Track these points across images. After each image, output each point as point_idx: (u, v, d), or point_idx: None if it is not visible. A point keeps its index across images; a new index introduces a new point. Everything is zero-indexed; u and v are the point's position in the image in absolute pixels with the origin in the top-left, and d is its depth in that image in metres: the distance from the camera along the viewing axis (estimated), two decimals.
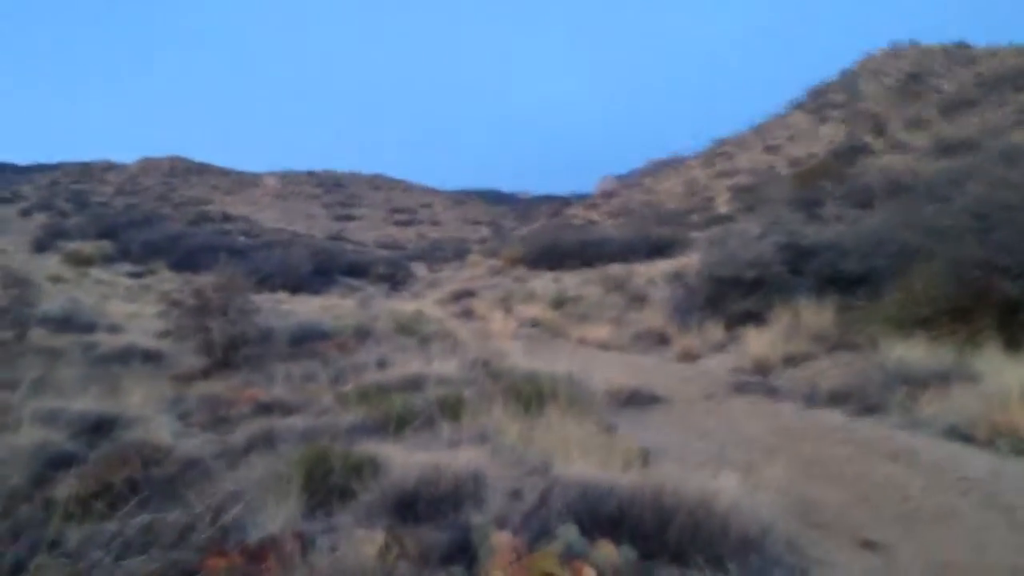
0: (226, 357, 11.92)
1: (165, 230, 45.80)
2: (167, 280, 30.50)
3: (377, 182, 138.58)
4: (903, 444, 7.06)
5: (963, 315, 9.77)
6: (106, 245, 38.98)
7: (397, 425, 6.55)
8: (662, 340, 16.67)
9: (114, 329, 15.64)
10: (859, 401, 8.74)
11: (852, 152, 51.13)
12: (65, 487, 4.81)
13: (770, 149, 76.75)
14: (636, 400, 10.37)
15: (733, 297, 15.35)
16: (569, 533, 3.74)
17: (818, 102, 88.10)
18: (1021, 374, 7.14)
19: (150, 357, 12.29)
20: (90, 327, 15.38)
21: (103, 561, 2.45)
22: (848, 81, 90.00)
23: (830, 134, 69.98)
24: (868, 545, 4.92)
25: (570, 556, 3.52)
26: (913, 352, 8.88)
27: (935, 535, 5.01)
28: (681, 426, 9.18)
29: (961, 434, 6.96)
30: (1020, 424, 6.53)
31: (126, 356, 12.06)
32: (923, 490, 5.87)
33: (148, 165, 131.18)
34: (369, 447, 5.26)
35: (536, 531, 3.88)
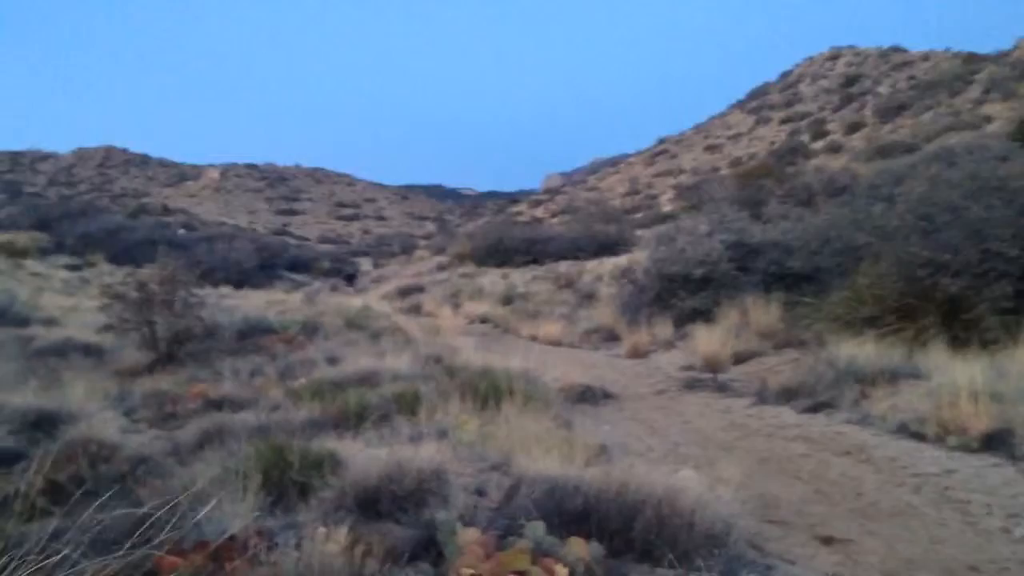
0: (171, 352, 11.64)
1: (103, 222, 44.60)
2: (106, 273, 29.74)
3: (320, 176, 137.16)
4: (855, 440, 7.15)
5: (909, 313, 9.95)
6: (41, 236, 37.80)
7: (353, 421, 6.44)
8: (612, 337, 16.76)
9: (51, 322, 15.19)
10: (809, 398, 8.83)
11: (791, 152, 52.08)
12: (7, 484, 4.62)
13: (711, 148, 77.85)
14: (589, 396, 10.39)
15: (682, 295, 15.49)
16: (537, 530, 3.68)
17: (758, 102, 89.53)
18: (968, 372, 7.26)
19: (91, 351, 11.94)
20: (25, 320, 14.91)
21: (70, 557, 2.34)
22: (788, 83, 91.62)
23: (770, 134, 71.16)
24: (828, 541, 4.96)
25: (540, 553, 3.46)
26: (861, 350, 8.99)
27: (892, 531, 5.07)
28: (635, 422, 9.21)
29: (911, 431, 7.07)
30: (969, 422, 6.64)
31: (65, 350, 11.70)
32: (878, 486, 5.94)
33: (83, 155, 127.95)
34: (327, 443, 5.15)
35: (503, 528, 3.82)
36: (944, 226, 10.19)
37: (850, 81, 76.16)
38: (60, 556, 2.32)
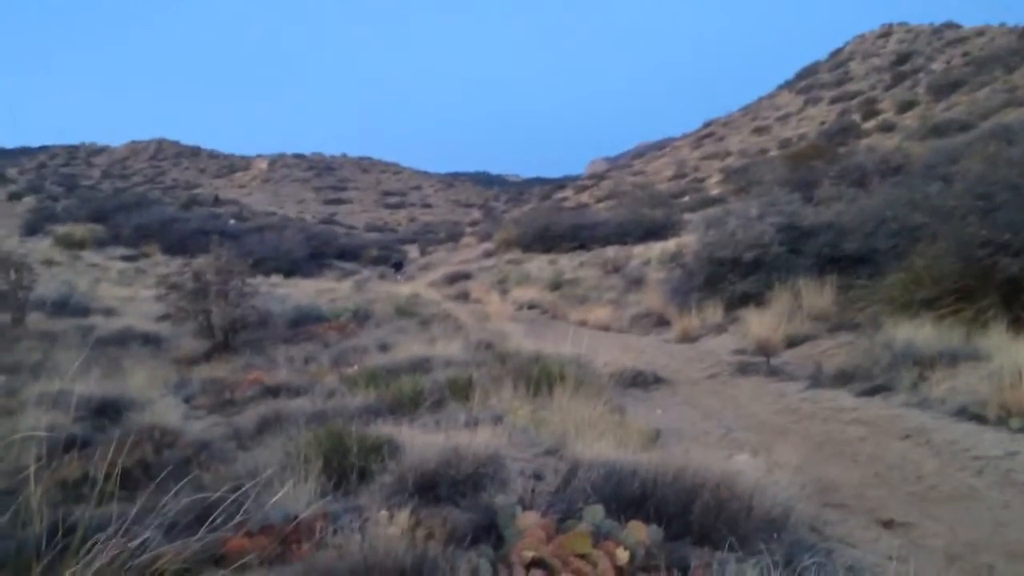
0: (226, 340, 11.86)
1: (157, 214, 45.43)
2: (161, 264, 30.34)
3: (366, 164, 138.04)
4: (914, 424, 7.04)
5: (968, 295, 9.74)
6: (98, 228, 38.67)
7: (408, 407, 6.51)
8: (661, 322, 16.69)
9: (110, 312, 15.55)
10: (865, 381, 8.70)
11: (842, 132, 51.11)
12: (76, 470, 4.76)
13: (760, 130, 76.70)
14: (640, 381, 10.37)
15: (732, 278, 15.33)
16: (596, 514, 3.69)
17: (807, 82, 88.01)
18: None
19: (149, 340, 12.21)
20: (85, 311, 15.28)
21: (151, 540, 2.42)
22: (838, 62, 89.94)
23: (820, 115, 69.97)
24: (888, 525, 4.91)
25: (600, 537, 3.47)
26: (918, 332, 8.83)
27: (954, 514, 5.00)
28: (687, 407, 9.17)
29: (972, 414, 6.93)
30: None
31: (124, 339, 11.98)
32: (938, 469, 5.86)
33: (135, 148, 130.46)
34: (383, 428, 5.21)
35: (562, 512, 3.84)
36: (1003, 205, 9.94)
37: (902, 59, 74.44)
38: (142, 540, 2.40)
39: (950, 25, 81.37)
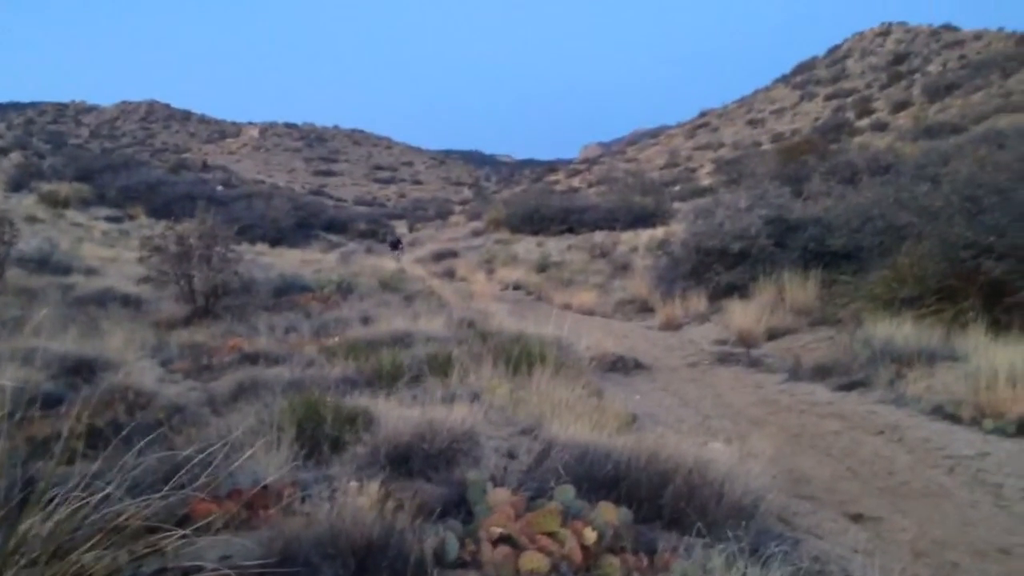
0: (208, 305, 11.79)
1: (144, 176, 44.99)
2: (145, 227, 30.08)
3: (358, 137, 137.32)
4: (889, 420, 7.08)
5: (949, 295, 9.78)
6: (83, 188, 38.27)
7: (387, 380, 6.49)
8: (645, 308, 16.72)
9: (91, 272, 15.44)
10: (843, 376, 8.74)
11: (835, 129, 51.22)
12: (44, 426, 4.72)
13: (754, 123, 76.87)
14: (621, 366, 10.39)
15: (718, 268, 15.36)
16: (567, 493, 3.69)
17: (803, 77, 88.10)
18: (1007, 355, 7.14)
19: (129, 302, 12.13)
20: (66, 269, 15.16)
21: (112, 496, 2.40)
22: (835, 58, 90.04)
23: (814, 110, 70.08)
24: (857, 518, 4.93)
25: (569, 516, 3.47)
26: (898, 330, 8.86)
27: (923, 511, 5.03)
28: (666, 393, 9.19)
29: (947, 413, 6.97)
30: (1006, 405, 6.54)
31: (104, 300, 11.89)
32: (910, 466, 5.89)
33: (126, 108, 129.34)
34: (360, 400, 5.20)
35: (533, 490, 3.83)
36: (990, 208, 9.97)
37: (899, 59, 74.57)
38: (103, 495, 2.38)
39: (948, 27, 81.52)
